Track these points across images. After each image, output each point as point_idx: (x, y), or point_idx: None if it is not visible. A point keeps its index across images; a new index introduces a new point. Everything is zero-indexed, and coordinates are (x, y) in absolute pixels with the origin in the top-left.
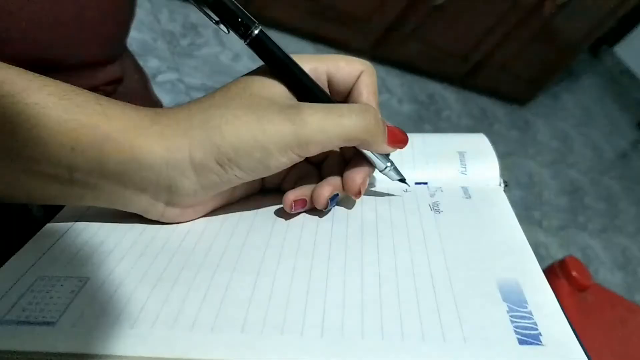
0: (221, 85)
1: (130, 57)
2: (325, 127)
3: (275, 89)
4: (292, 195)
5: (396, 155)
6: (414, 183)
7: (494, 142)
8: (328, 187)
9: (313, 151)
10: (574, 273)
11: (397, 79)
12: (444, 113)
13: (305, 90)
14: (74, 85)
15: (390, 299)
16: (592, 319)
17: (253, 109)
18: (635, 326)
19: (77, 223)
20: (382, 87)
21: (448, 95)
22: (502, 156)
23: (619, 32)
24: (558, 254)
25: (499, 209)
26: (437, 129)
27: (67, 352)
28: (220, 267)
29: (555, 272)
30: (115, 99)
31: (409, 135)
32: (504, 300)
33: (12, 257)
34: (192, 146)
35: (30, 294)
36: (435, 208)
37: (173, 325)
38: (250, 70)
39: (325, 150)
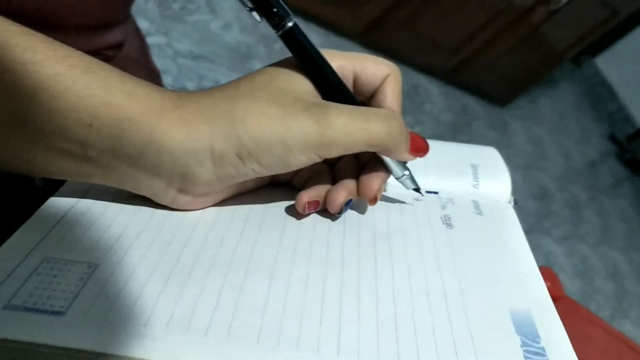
0: (209, 54)
1: (133, 23)
2: (350, 130)
3: (302, 84)
4: (305, 197)
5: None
6: (425, 191)
7: (471, 140)
8: (343, 192)
9: (335, 153)
10: (547, 284)
11: None
12: (426, 106)
13: (333, 89)
14: (76, 47)
15: (406, 321)
16: None
17: (278, 103)
18: (597, 340)
19: (82, 200)
20: None
21: (432, 89)
22: None
23: (602, 43)
24: None
25: (510, 230)
26: (417, 121)
27: (78, 348)
28: (234, 265)
29: None
30: (114, 64)
31: None
32: (517, 332)
33: (16, 233)
34: (214, 136)
35: (36, 277)
36: (447, 222)
37: (188, 329)
38: (276, 62)
39: (346, 153)
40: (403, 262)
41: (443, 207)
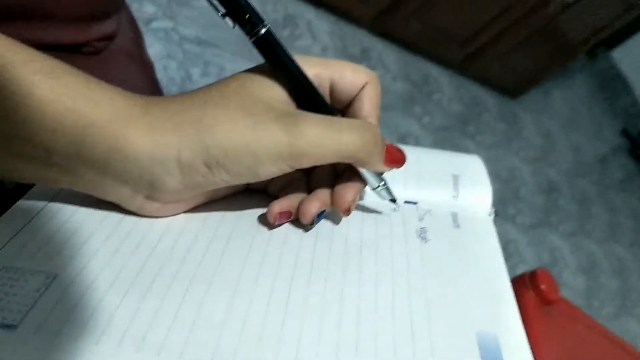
0: (215, 40)
1: (128, 13)
2: (322, 141)
3: (275, 92)
4: (277, 207)
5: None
6: (403, 202)
7: (480, 132)
8: (316, 203)
9: (306, 164)
10: (542, 286)
11: (393, 55)
12: (435, 96)
13: (306, 97)
14: (65, 37)
15: (367, 344)
16: (555, 334)
17: (249, 112)
18: (593, 344)
19: (50, 203)
20: (378, 62)
21: (442, 79)
22: (486, 148)
23: (618, 37)
24: (526, 252)
25: (486, 246)
26: (426, 111)
27: None
28: (196, 279)
29: (525, 283)
30: (104, 56)
31: (403, 148)
32: (482, 356)
33: None
34: (182, 144)
35: None
36: (422, 235)
37: (141, 347)
38: (249, 68)
39: (318, 164)
40: (371, 279)
41: (420, 219)
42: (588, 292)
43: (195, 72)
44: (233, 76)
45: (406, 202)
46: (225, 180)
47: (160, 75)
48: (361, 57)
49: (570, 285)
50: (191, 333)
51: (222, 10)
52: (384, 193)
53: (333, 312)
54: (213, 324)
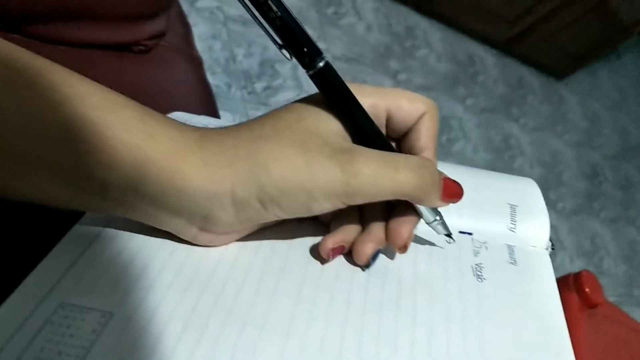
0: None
1: (177, 6)
2: (378, 180)
3: (330, 126)
4: (330, 243)
5: None
6: (458, 232)
7: (525, 114)
8: (371, 245)
9: (360, 202)
10: (586, 289)
11: (438, 34)
12: (480, 77)
13: (363, 132)
14: (115, 37)
15: None
16: (598, 337)
17: (304, 147)
18: (637, 348)
19: (105, 230)
20: (423, 41)
21: (487, 59)
22: (530, 131)
23: None
24: (567, 239)
25: (544, 287)
26: (470, 92)
27: None
28: (250, 319)
29: (568, 284)
30: (154, 54)
31: (457, 169)
32: None
33: (34, 271)
34: (235, 181)
35: (49, 327)
36: (478, 273)
37: None
38: (303, 97)
39: (373, 201)
40: (426, 324)
41: (475, 254)
42: (629, 280)
43: (240, 52)
44: (287, 107)
45: (461, 232)
46: (278, 215)
47: (205, 56)
48: (405, 35)
49: (612, 272)
50: None
51: (280, 42)
52: (439, 228)
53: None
54: None
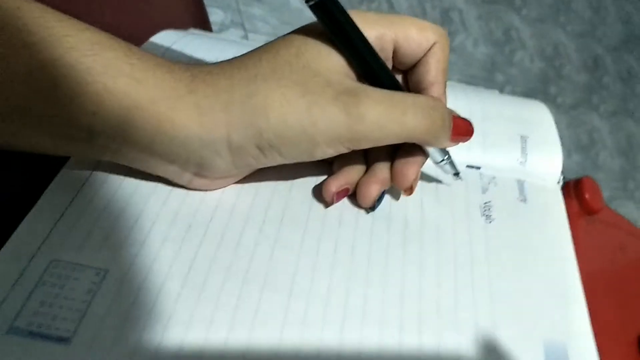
0: None
1: None
2: (384, 124)
3: (333, 62)
4: (333, 186)
5: None
6: (465, 166)
7: (527, 4)
8: (376, 186)
9: (365, 146)
10: (586, 195)
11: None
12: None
13: (368, 69)
14: None
15: (430, 349)
16: (594, 243)
17: (304, 90)
18: (633, 252)
19: (94, 173)
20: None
21: None
22: (532, 22)
23: None
24: (564, 134)
25: (555, 228)
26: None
27: None
28: (251, 275)
29: (569, 191)
30: None
31: (466, 93)
32: None
33: (21, 224)
34: (231, 126)
35: (42, 288)
36: (486, 213)
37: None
38: (302, 27)
39: (379, 145)
40: (433, 273)
41: (484, 191)
42: (624, 174)
43: None
44: (285, 39)
45: (469, 166)
46: (277, 161)
47: None
48: None
49: (607, 166)
50: (249, 345)
51: None
52: (447, 167)
53: (394, 315)
54: (272, 327)
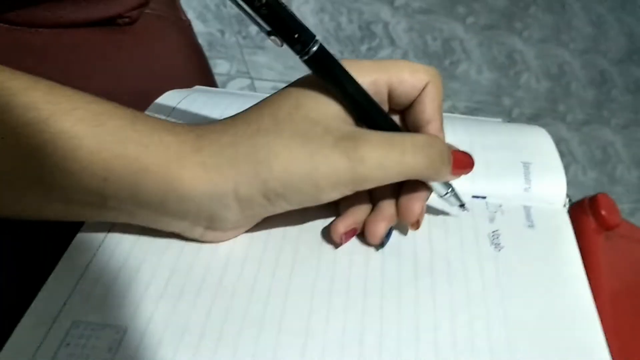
0: None
1: None
2: (384, 165)
3: (330, 110)
4: (341, 227)
5: None
6: (471, 196)
7: (528, 27)
8: (383, 224)
9: (368, 187)
10: (603, 212)
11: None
12: None
13: (365, 114)
14: (97, 13)
15: None
16: (616, 259)
17: (306, 139)
18: None
19: (108, 235)
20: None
21: None
22: (534, 43)
23: None
24: (577, 151)
25: (564, 251)
26: (470, 10)
27: None
28: (266, 321)
29: (584, 208)
30: (140, 25)
31: (466, 125)
32: None
33: (43, 289)
34: (238, 180)
35: (65, 349)
36: (495, 242)
37: None
38: (299, 80)
39: (381, 185)
40: (447, 305)
41: (491, 220)
42: None
43: None
44: (284, 93)
45: (475, 196)
46: (285, 208)
47: (194, 4)
48: None
49: (625, 180)
50: None
51: (267, 28)
52: (452, 199)
53: (410, 349)
54: None
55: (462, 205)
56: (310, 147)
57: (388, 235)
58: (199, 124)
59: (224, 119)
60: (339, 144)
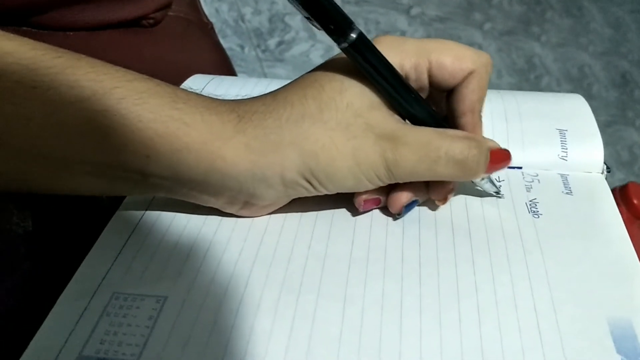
0: None
1: None
2: (417, 171)
3: (371, 100)
4: (364, 194)
5: (489, 130)
6: (506, 167)
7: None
8: (406, 194)
9: (401, 182)
10: (634, 200)
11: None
12: None
13: (405, 110)
14: (122, 14)
15: (493, 345)
16: None
17: (349, 134)
18: None
19: (147, 212)
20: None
21: None
22: (553, 48)
23: None
24: (604, 153)
25: (604, 213)
26: (487, 17)
27: None
28: (304, 287)
29: (615, 199)
30: (164, 26)
31: (501, 94)
32: (618, 351)
33: (83, 263)
34: (285, 165)
35: (106, 318)
36: (533, 209)
37: None
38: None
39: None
40: (487, 270)
41: (528, 190)
42: None
43: (247, 10)
44: (327, 74)
45: (510, 167)
46: (325, 192)
47: (213, 20)
48: None
49: None
50: (309, 349)
51: (306, 14)
52: (487, 186)
53: (452, 312)
54: (330, 339)
55: (497, 192)
56: (353, 142)
57: (409, 206)
58: (239, 102)
59: (264, 95)
60: (378, 142)
